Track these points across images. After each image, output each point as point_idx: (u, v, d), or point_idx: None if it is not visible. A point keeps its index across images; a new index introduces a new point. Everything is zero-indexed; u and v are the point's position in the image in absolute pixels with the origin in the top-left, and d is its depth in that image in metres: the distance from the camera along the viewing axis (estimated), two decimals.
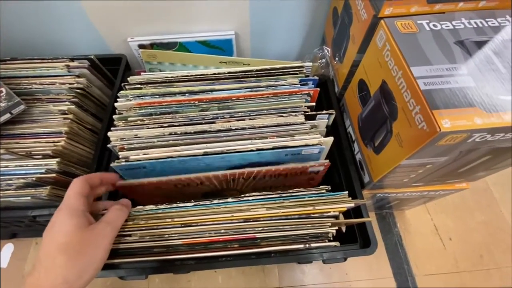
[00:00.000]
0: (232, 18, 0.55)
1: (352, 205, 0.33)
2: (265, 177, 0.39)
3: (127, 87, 0.42)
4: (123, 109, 0.40)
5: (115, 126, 0.38)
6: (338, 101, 0.52)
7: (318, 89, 0.42)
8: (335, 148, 0.49)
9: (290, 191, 0.35)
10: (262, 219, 0.33)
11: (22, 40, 0.55)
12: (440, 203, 0.67)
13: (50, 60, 0.49)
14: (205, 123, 0.38)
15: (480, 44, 0.33)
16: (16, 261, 0.60)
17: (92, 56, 0.52)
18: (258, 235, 0.33)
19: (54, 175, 0.42)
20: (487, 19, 0.35)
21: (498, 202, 0.69)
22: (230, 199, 0.34)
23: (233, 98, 0.40)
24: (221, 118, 0.38)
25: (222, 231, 0.33)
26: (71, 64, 0.49)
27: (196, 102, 0.39)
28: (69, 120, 0.45)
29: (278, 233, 0.33)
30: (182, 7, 0.52)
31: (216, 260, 0.38)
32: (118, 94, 0.41)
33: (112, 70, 0.57)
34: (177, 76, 0.42)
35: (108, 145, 0.37)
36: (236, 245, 0.35)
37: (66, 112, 0.46)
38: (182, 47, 0.58)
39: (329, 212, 0.33)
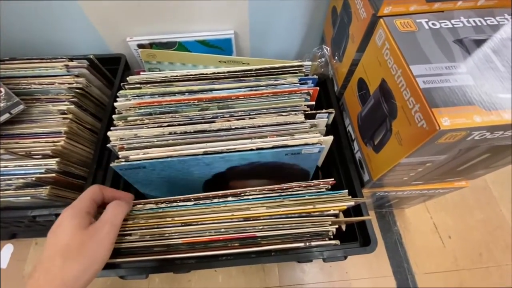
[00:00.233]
0: (231, 17, 0.55)
1: (352, 203, 0.34)
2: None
3: (126, 86, 0.42)
4: (123, 108, 0.40)
5: (114, 125, 0.38)
6: (338, 100, 0.52)
7: (318, 88, 0.42)
8: (334, 147, 0.49)
9: (289, 188, 0.35)
10: (262, 218, 0.33)
11: (21, 40, 0.55)
12: (440, 202, 0.68)
13: (49, 60, 0.49)
14: (205, 122, 0.38)
15: (479, 43, 0.33)
16: (15, 261, 0.60)
17: (91, 56, 0.51)
18: (258, 234, 0.33)
19: (53, 175, 0.42)
20: (486, 18, 0.35)
21: (497, 200, 0.69)
22: (230, 198, 0.34)
23: (232, 98, 0.40)
24: (220, 118, 0.38)
25: (222, 230, 0.33)
26: (70, 64, 0.49)
27: (196, 101, 0.39)
28: (69, 120, 0.45)
29: (278, 232, 0.33)
30: (182, 7, 0.52)
31: (216, 259, 0.38)
32: (118, 94, 0.41)
33: (111, 70, 0.57)
34: (177, 76, 0.42)
35: (108, 145, 0.37)
36: (236, 244, 0.35)
37: (65, 112, 0.46)
38: (182, 46, 0.58)
39: (329, 210, 0.33)
